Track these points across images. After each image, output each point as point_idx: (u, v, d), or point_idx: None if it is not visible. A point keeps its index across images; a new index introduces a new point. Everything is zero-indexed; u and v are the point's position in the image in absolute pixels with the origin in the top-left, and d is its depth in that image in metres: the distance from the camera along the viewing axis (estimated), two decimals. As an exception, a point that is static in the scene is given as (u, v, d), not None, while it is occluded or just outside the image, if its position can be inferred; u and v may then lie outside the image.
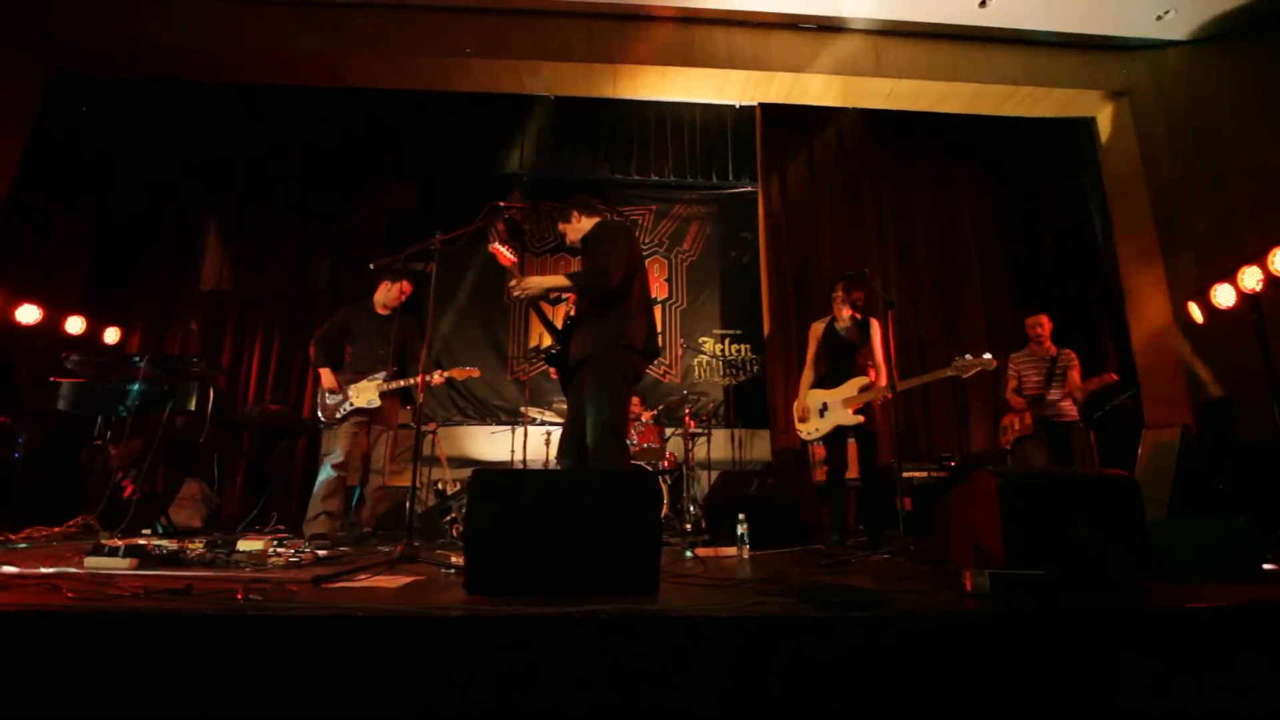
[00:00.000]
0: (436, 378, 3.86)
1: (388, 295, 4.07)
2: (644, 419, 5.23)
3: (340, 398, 3.88)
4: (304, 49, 5.56)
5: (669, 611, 1.56)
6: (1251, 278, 4.23)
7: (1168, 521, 2.77)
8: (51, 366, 4.52)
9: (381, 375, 3.89)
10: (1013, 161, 6.56)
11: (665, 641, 1.42)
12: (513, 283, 2.88)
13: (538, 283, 2.91)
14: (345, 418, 3.85)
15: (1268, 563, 2.50)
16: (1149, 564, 2.11)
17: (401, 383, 3.89)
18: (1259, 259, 4.23)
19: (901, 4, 5.53)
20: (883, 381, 3.74)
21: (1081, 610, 1.59)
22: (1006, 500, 2.00)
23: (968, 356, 3.48)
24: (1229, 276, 4.48)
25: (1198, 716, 1.47)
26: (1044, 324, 4.59)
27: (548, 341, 3.08)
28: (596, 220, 3.03)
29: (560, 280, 2.91)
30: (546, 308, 3.12)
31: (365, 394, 3.86)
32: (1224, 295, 4.59)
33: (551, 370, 3.11)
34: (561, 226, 3.12)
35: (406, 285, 4.09)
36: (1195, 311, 4.95)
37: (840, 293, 3.97)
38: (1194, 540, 2.42)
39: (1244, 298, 4.35)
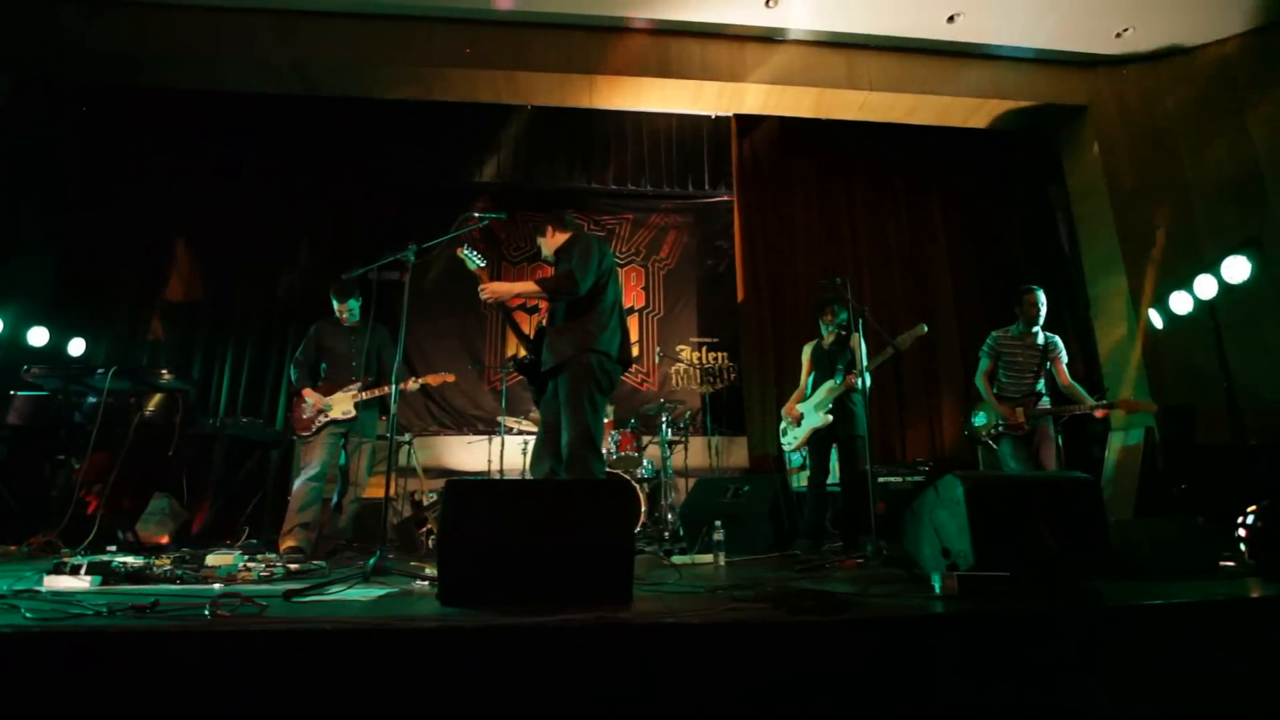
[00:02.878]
0: (411, 384, 3.84)
1: (339, 313, 4.01)
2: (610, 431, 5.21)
3: (315, 409, 3.84)
4: (279, 58, 5.51)
5: (642, 620, 1.57)
6: (1208, 285, 4.38)
7: (1129, 522, 2.85)
8: (13, 379, 4.38)
9: (355, 386, 3.86)
10: (982, 173, 6.74)
11: (638, 650, 1.43)
12: (480, 287, 2.89)
13: (506, 288, 2.92)
14: (320, 429, 3.81)
15: (1225, 560, 2.58)
16: (1111, 563, 2.17)
17: (376, 392, 3.86)
18: (1214, 267, 4.38)
19: (872, 19, 5.66)
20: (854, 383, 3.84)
21: (1044, 609, 1.63)
22: (973, 503, 2.05)
23: (904, 333, 3.89)
24: (1187, 284, 4.64)
25: (1156, 711, 1.52)
26: (1042, 303, 3.99)
27: (524, 352, 3.09)
28: (570, 235, 3.07)
29: (529, 286, 2.92)
30: (522, 317, 3.13)
31: (340, 405, 3.83)
32: (1182, 302, 4.75)
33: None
34: (539, 240, 3.16)
35: (343, 307, 3.96)
36: (1156, 318, 5.11)
37: (829, 315, 4.10)
38: (1154, 540, 2.49)
39: (1201, 305, 4.50)
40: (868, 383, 3.63)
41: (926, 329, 3.89)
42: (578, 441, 2.71)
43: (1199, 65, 5.90)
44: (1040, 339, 4.00)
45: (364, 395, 3.83)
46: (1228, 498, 3.16)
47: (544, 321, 3.05)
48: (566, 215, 3.14)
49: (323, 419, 3.81)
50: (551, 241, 3.06)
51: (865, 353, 3.75)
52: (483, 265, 3.05)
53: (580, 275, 2.79)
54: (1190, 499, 4.38)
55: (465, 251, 3.06)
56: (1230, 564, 2.57)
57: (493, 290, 2.87)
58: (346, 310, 3.97)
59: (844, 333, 4.08)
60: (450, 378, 4.12)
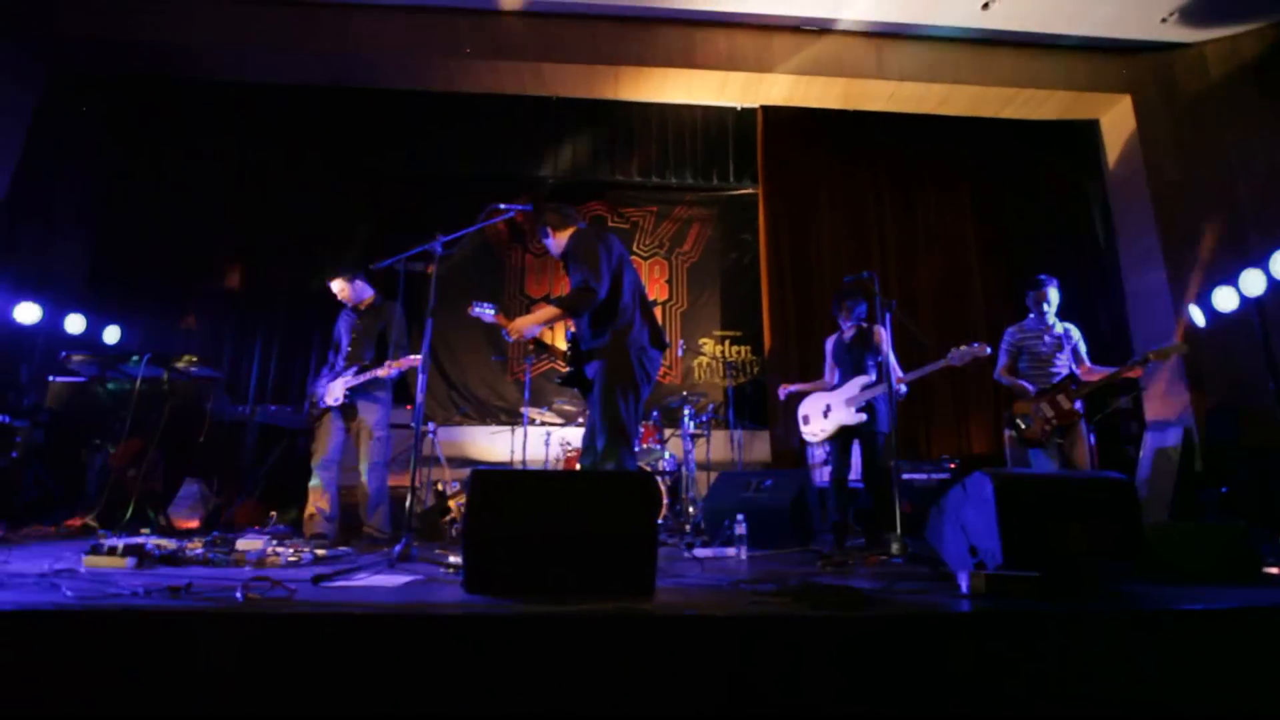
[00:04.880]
0: (383, 370, 3.78)
1: (342, 294, 4.05)
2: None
3: (317, 397, 3.89)
4: (306, 48, 5.58)
5: (664, 612, 1.57)
6: (1253, 281, 4.22)
7: (1165, 525, 2.76)
8: (51, 365, 4.53)
9: (350, 371, 3.85)
10: (1015, 164, 6.55)
11: (660, 642, 1.43)
12: (504, 330, 2.92)
13: (530, 322, 2.91)
14: (319, 416, 3.86)
15: (1269, 568, 2.49)
16: (1146, 567, 2.11)
17: (365, 375, 3.80)
18: (1260, 262, 4.22)
19: (903, 7, 5.53)
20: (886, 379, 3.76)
21: (1075, 611, 1.59)
22: (1003, 501, 2.00)
23: (962, 347, 3.69)
24: (1231, 280, 4.47)
25: (1188, 716, 1.47)
26: (1052, 292, 3.96)
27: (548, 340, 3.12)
28: (570, 231, 3.01)
29: (551, 311, 2.91)
30: (547, 330, 3.12)
31: (332, 393, 3.83)
32: (1226, 299, 4.58)
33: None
34: (543, 242, 3.15)
35: (344, 288, 4.02)
36: (1197, 314, 4.94)
37: (845, 310, 4.03)
38: (1192, 544, 2.41)
39: (1246, 301, 4.34)
40: (900, 381, 3.57)
41: (989, 352, 3.70)
42: (610, 435, 2.73)
43: (1247, 50, 5.67)
44: (1058, 328, 3.96)
45: (353, 380, 3.81)
46: (1274, 502, 3.05)
47: (572, 329, 3.06)
48: (562, 209, 3.07)
49: (315, 411, 3.88)
50: (558, 242, 3.03)
51: (891, 346, 3.70)
52: (496, 312, 3.04)
53: (595, 282, 2.77)
54: (1232, 503, 4.24)
55: (476, 311, 3.08)
56: (1275, 571, 2.48)
57: (517, 328, 2.88)
58: (352, 291, 4.00)
59: (865, 325, 4.01)
60: (415, 359, 3.77)
